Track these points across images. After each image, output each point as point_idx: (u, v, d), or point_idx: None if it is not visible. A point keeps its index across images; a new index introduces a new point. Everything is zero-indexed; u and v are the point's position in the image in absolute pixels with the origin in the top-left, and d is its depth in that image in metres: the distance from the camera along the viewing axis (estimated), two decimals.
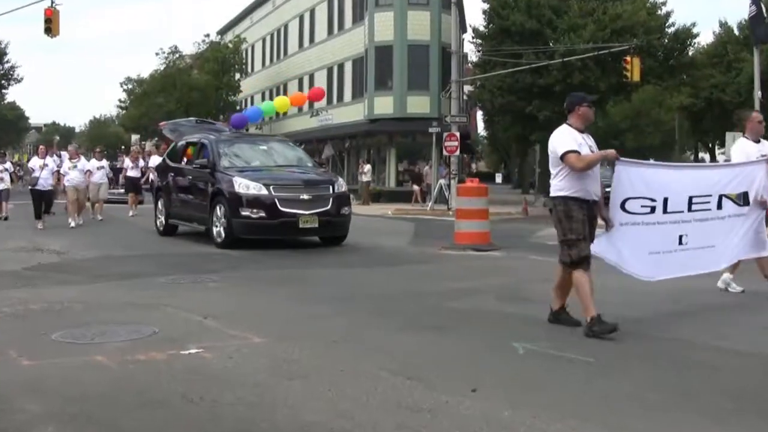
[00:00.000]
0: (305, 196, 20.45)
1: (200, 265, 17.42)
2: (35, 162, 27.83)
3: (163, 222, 24.49)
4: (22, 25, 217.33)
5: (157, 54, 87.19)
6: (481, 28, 57.86)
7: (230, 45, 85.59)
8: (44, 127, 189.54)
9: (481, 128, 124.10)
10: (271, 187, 20.31)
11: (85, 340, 9.34)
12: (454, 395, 7.07)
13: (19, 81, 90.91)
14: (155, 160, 31.82)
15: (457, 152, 45.78)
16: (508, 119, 59.02)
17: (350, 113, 63.18)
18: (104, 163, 32.93)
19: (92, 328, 10.00)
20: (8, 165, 32.68)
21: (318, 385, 7.40)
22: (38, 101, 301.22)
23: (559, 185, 10.04)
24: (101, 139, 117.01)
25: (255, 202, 20.15)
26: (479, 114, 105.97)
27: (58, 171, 28.83)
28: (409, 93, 57.57)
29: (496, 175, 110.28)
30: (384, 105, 58.16)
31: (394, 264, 17.96)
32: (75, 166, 28.64)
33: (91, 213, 31.08)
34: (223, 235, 20.56)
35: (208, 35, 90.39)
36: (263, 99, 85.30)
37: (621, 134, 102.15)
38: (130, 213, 32.87)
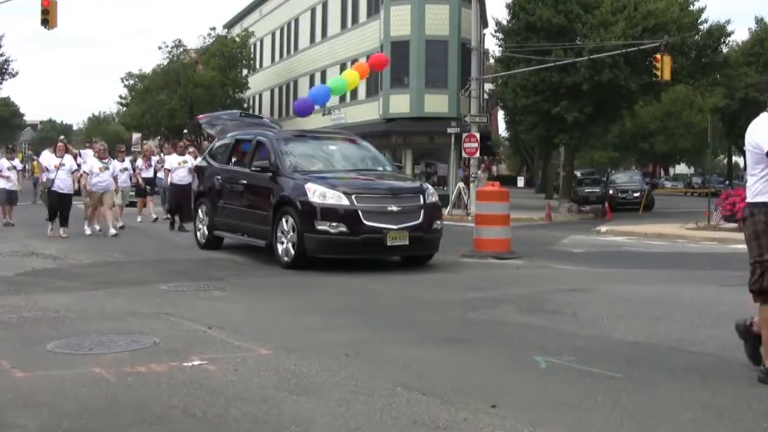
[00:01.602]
0: (393, 208, 18.18)
1: (205, 271, 17.46)
2: (50, 160, 25.61)
3: (206, 233, 22.24)
4: (17, 16, 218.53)
5: (160, 48, 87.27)
6: (505, 23, 57.80)
7: (237, 39, 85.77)
8: (40, 125, 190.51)
9: (502, 129, 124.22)
10: (353, 197, 18.00)
11: (82, 351, 9.34)
12: (472, 412, 7.05)
13: (13, 75, 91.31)
14: (172, 160, 29.79)
15: (477, 154, 45.80)
16: (532, 120, 58.92)
17: (364, 112, 63.21)
18: (128, 164, 31.55)
19: (89, 337, 10.01)
20: (16, 162, 31.00)
21: (329, 401, 7.38)
22: (34, 97, 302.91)
23: (760, 187, 8.29)
24: (101, 137, 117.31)
25: (334, 213, 17.86)
26: (500, 114, 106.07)
27: (77, 170, 26.26)
28: (427, 91, 57.56)
29: (518, 178, 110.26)
30: (400, 103, 58.19)
31: (409, 272, 17.90)
32: (107, 168, 26.48)
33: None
34: (291, 252, 18.24)
35: (213, 28, 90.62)
36: (272, 96, 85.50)
37: (651, 136, 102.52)
38: (138, 219, 31.98)
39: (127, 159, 31.83)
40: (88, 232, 26.02)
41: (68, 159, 25.69)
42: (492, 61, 65.79)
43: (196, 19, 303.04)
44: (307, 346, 9.70)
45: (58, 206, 25.12)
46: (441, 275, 17.68)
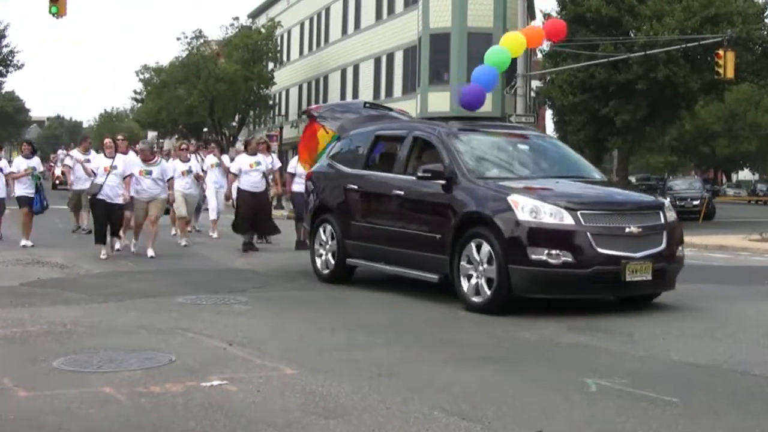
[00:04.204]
0: (632, 229, 14.17)
1: (225, 283, 17.43)
2: (99, 161, 22.43)
3: (332, 261, 18.09)
4: (24, 3, 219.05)
5: (178, 39, 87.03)
6: (554, 14, 57.60)
7: (263, 30, 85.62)
8: (47, 121, 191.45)
9: (550, 130, 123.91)
10: (578, 213, 14.03)
11: (90, 369, 9.38)
12: None
13: (19, 67, 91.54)
14: (242, 162, 25.45)
15: None
16: (581, 120, 58.63)
17: None
18: (192, 164, 27.86)
19: (99, 354, 10.04)
20: (2, 164, 26.43)
21: (359, 426, 7.38)
22: (41, 91, 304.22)
23: None
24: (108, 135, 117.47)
25: (553, 237, 13.92)
26: (548, 113, 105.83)
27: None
28: None
29: None
30: (439, 101, 57.98)
31: (446, 286, 17.79)
32: (149, 173, 22.95)
33: (176, 233, 26.95)
34: (486, 290, 14.24)
35: (237, 18, 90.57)
36: (300, 92, 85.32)
37: (712, 139, 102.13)
38: (181, 238, 26.78)
39: (193, 158, 28.18)
40: (151, 254, 22.47)
41: (120, 161, 22.25)
42: (539, 56, 65.64)
43: (217, 9, 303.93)
44: (335, 365, 9.70)
45: (107, 218, 21.76)
46: None
